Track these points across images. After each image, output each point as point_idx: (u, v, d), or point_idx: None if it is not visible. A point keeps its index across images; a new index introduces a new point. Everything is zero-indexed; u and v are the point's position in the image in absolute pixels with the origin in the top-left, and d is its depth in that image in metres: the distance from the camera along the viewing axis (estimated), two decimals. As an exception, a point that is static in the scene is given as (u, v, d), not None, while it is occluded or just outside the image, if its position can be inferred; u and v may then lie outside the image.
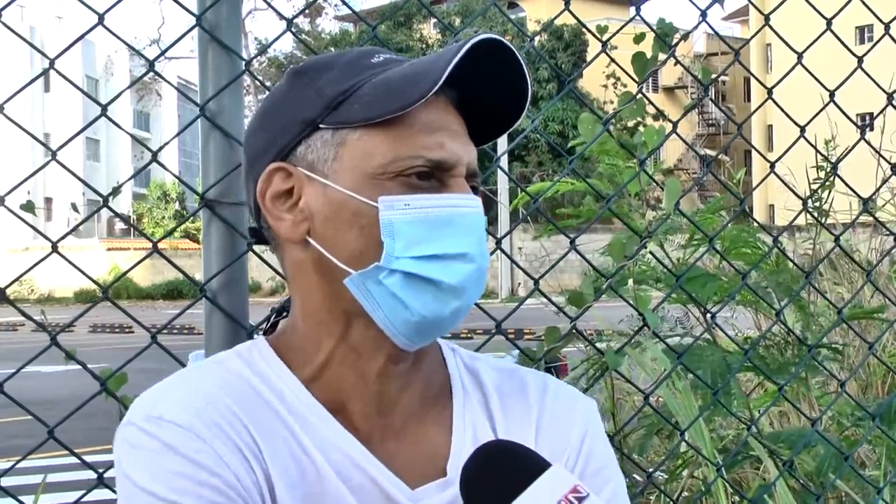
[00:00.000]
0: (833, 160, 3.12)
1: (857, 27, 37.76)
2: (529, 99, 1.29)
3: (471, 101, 1.28)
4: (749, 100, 53.92)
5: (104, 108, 1.95)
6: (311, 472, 1.21)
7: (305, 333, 1.29)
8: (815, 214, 3.34)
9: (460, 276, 1.22)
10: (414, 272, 1.20)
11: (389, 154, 1.22)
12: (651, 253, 2.58)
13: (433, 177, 1.23)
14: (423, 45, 46.45)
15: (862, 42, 36.49)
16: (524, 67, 1.26)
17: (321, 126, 1.25)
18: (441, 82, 1.18)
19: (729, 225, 2.92)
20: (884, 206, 4.71)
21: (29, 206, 2.02)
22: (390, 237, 1.20)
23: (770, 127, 46.65)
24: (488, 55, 1.23)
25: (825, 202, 3.52)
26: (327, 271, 1.24)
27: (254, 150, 1.31)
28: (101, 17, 1.91)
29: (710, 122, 59.04)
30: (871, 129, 3.13)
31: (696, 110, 55.24)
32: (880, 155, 3.16)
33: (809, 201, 3.33)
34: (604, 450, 1.38)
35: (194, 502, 1.14)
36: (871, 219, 3.27)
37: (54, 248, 1.90)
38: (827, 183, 3.41)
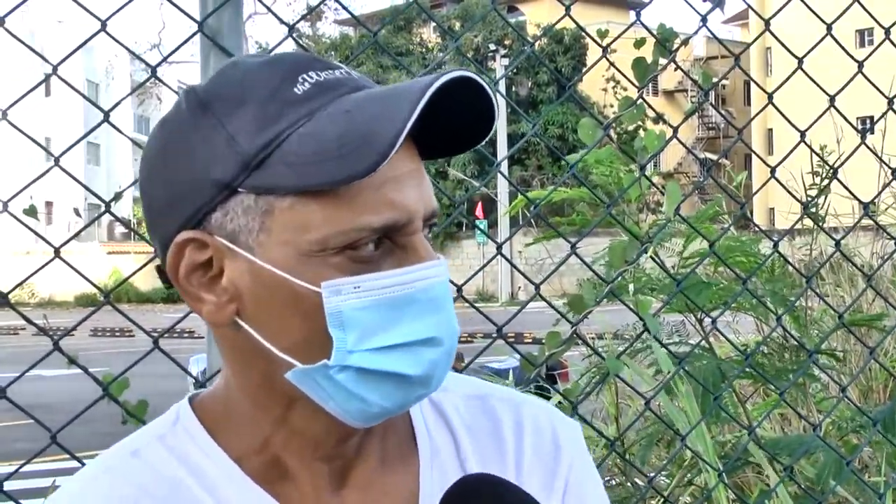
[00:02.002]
0: (833, 164, 3.13)
1: (857, 30, 37.77)
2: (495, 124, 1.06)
3: (426, 123, 1.01)
4: (749, 103, 53.91)
5: (106, 114, 1.95)
6: None
7: (240, 411, 1.09)
8: (812, 218, 3.34)
9: (426, 365, 1.02)
10: (372, 368, 1.00)
11: (328, 226, 0.99)
12: (652, 258, 2.58)
13: (384, 241, 1.01)
14: (423, 49, 46.47)
15: (862, 45, 36.49)
16: (492, 98, 1.03)
17: (240, 190, 1.00)
18: (395, 151, 0.95)
19: (731, 230, 2.93)
20: (886, 209, 4.71)
21: (31, 211, 2.03)
22: (340, 328, 0.99)
23: (770, 130, 46.66)
24: (455, 83, 0.99)
25: (821, 207, 3.53)
26: (263, 356, 1.03)
27: (155, 202, 1.06)
28: (103, 24, 1.92)
29: (710, 125, 59.04)
30: (872, 133, 3.13)
31: (696, 114, 55.29)
32: (881, 159, 3.16)
33: (809, 207, 3.33)
34: (593, 477, 1.23)
35: None
36: (873, 222, 3.28)
37: (57, 254, 1.91)
38: (824, 187, 3.41)
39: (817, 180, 3.48)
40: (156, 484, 1.06)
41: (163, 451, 1.09)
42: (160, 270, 1.11)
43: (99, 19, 1.91)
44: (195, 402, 1.13)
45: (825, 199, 3.51)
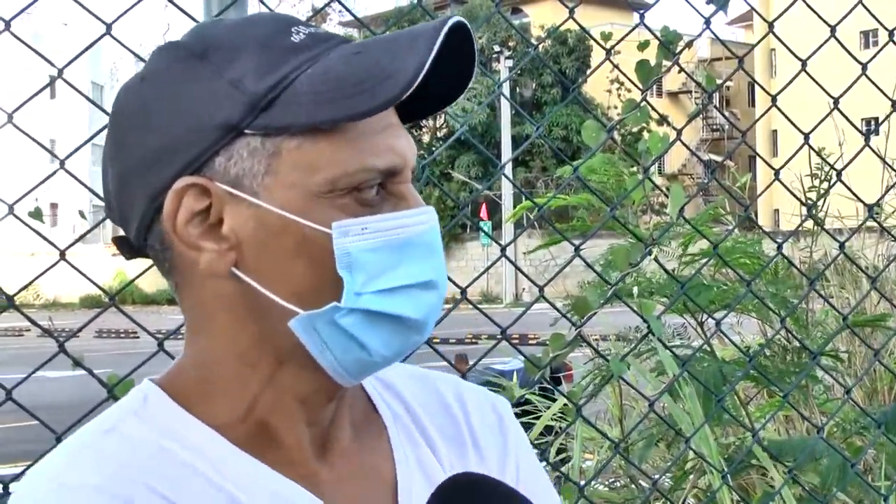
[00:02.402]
0: (836, 166, 3.13)
1: (861, 32, 37.73)
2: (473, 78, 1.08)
3: None
4: (753, 104, 53.87)
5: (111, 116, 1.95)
6: None
7: (222, 378, 1.06)
8: (816, 220, 3.34)
9: (426, 309, 1.03)
10: (377, 310, 1.00)
11: (337, 166, 0.99)
12: (656, 260, 2.58)
13: (383, 187, 1.02)
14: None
15: (867, 47, 36.47)
16: (475, 51, 1.07)
17: (246, 132, 1.00)
18: (414, 88, 0.97)
19: (735, 231, 2.93)
20: (893, 212, 4.70)
21: (37, 214, 2.03)
22: (348, 270, 0.99)
23: (774, 132, 46.60)
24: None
25: (821, 209, 3.53)
26: (259, 308, 1.02)
27: (141, 155, 1.02)
28: (108, 27, 1.93)
29: (714, 126, 58.98)
30: (877, 134, 3.14)
31: (700, 115, 55.24)
32: (885, 161, 3.17)
33: (811, 208, 3.33)
34: (532, 452, 1.25)
35: None
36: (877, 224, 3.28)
37: (62, 256, 1.91)
38: (827, 190, 3.42)
39: (817, 182, 3.48)
40: (142, 456, 1.01)
41: (140, 424, 1.04)
42: (119, 241, 1.10)
43: (104, 22, 1.92)
44: (159, 382, 1.09)
45: (824, 201, 3.51)
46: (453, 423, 1.19)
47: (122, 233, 1.09)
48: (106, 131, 1.07)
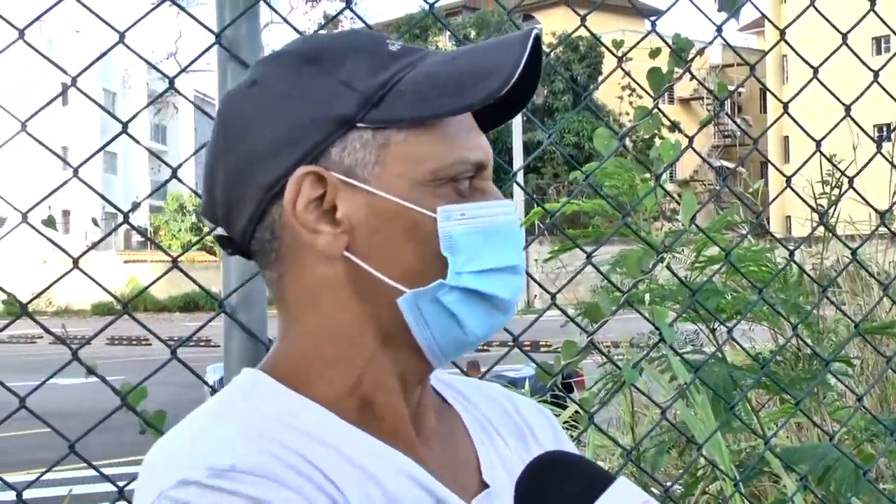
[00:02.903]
0: (848, 173, 3.12)
1: (873, 38, 37.67)
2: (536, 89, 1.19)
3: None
4: (765, 111, 53.79)
5: (125, 125, 1.96)
6: (382, 502, 1.08)
7: (327, 357, 1.13)
8: (829, 228, 3.33)
9: (513, 290, 1.14)
10: (474, 288, 1.11)
11: (438, 158, 1.11)
12: (668, 267, 2.58)
13: (470, 181, 1.14)
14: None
15: (879, 52, 36.42)
16: (541, 67, 1.17)
17: (359, 125, 1.10)
18: (511, 84, 1.08)
19: (748, 238, 2.93)
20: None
21: (50, 221, 2.04)
22: (451, 251, 1.10)
23: (786, 138, 46.53)
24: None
25: (832, 216, 3.52)
26: (366, 289, 1.11)
27: (259, 148, 1.12)
28: (121, 36, 1.93)
29: (726, 133, 58.94)
30: (890, 140, 3.13)
31: (712, 122, 55.16)
32: (896, 168, 3.16)
33: (823, 215, 3.33)
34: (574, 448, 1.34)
35: None
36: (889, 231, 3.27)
37: (75, 265, 1.92)
38: (838, 197, 3.41)
39: (829, 189, 3.47)
40: (273, 424, 1.07)
41: (253, 405, 1.11)
42: (221, 239, 1.19)
43: (117, 31, 1.92)
44: (261, 369, 1.16)
45: (835, 207, 3.50)
46: (511, 419, 1.29)
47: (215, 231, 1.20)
48: (212, 135, 1.17)
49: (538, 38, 1.12)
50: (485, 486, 1.19)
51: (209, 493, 0.99)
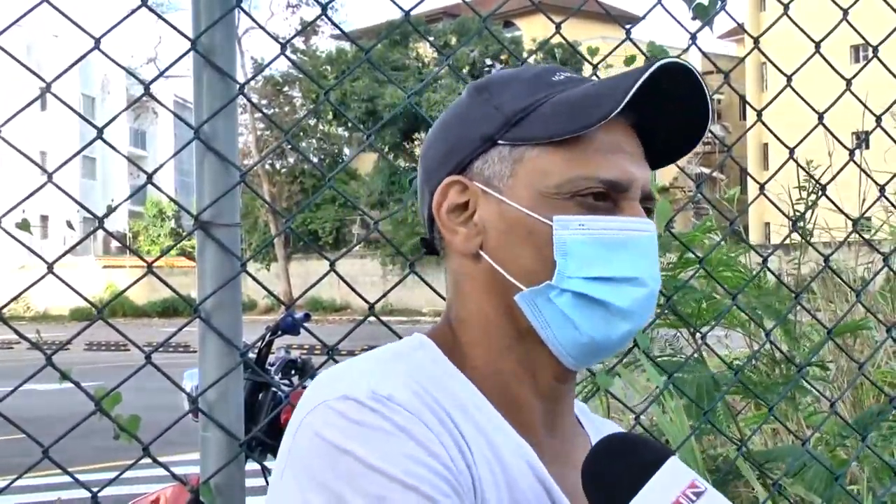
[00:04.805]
0: (824, 179, 3.14)
1: (851, 46, 37.84)
2: (710, 123, 1.29)
3: (650, 124, 1.28)
4: (744, 118, 53.93)
5: (100, 131, 1.96)
6: (502, 479, 1.18)
7: (473, 341, 1.28)
8: (802, 235, 3.35)
9: (630, 300, 1.22)
10: (584, 292, 1.21)
11: (565, 174, 1.22)
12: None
13: (608, 198, 1.23)
14: (420, 64, 46.53)
15: (857, 61, 36.58)
16: (706, 92, 1.27)
17: (499, 142, 1.26)
18: (622, 106, 1.19)
19: (722, 244, 2.94)
20: (881, 226, 4.72)
21: (25, 225, 2.04)
22: (563, 256, 1.21)
23: (765, 145, 46.71)
24: (671, 79, 1.23)
25: (809, 221, 3.54)
26: (498, 285, 1.25)
27: (431, 161, 1.32)
28: (97, 42, 1.93)
29: (706, 140, 58.99)
30: (868, 147, 3.15)
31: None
32: (870, 177, 3.18)
33: (798, 222, 3.35)
34: None
35: (430, 491, 1.09)
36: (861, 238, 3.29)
37: (50, 270, 1.92)
38: (812, 203, 3.43)
39: (804, 195, 3.50)
40: (432, 380, 1.20)
41: (416, 360, 1.24)
42: (423, 241, 1.37)
43: (93, 37, 1.93)
44: (427, 334, 1.31)
45: (811, 214, 3.53)
46: None
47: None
48: None
49: (684, 68, 1.22)
50: None
51: (365, 410, 1.12)
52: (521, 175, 1.25)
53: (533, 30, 45.34)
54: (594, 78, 1.35)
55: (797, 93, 2.66)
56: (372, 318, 2.20)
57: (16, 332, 2.01)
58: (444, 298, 1.37)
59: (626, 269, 1.22)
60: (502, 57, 43.75)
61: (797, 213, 3.43)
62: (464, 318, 1.30)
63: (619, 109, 1.19)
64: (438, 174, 1.30)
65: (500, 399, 1.24)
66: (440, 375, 1.22)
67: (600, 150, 1.23)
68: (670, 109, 1.27)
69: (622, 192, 1.24)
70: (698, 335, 2.87)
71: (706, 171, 44.79)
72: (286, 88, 49.96)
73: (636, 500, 1.07)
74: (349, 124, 46.60)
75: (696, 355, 2.94)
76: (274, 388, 3.83)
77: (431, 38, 2.77)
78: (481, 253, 1.27)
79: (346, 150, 49.44)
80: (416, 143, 45.16)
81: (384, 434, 1.11)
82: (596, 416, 1.43)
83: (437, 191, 1.29)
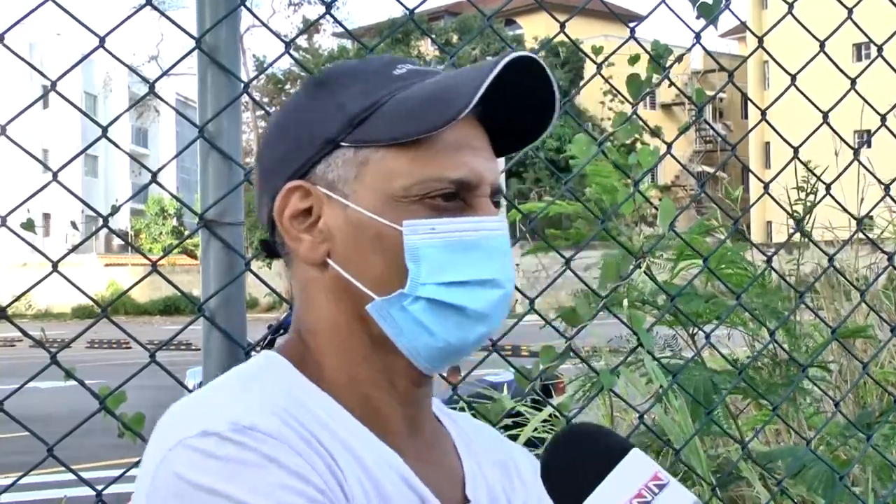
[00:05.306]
0: (827, 178, 3.14)
1: (854, 44, 37.76)
2: (557, 112, 1.25)
3: (495, 114, 1.23)
4: (746, 116, 53.88)
5: (104, 129, 1.96)
6: (374, 494, 1.14)
7: (327, 352, 1.23)
8: (805, 234, 3.35)
9: (486, 303, 1.19)
10: (439, 299, 1.17)
11: (413, 176, 1.17)
12: (646, 273, 2.59)
13: (458, 197, 1.19)
14: (422, 62, 46.44)
15: (860, 59, 36.50)
16: (553, 82, 1.22)
17: (342, 144, 1.20)
18: (469, 108, 1.15)
19: (726, 244, 2.94)
20: (887, 227, 4.71)
21: (29, 225, 2.04)
22: (415, 262, 1.16)
23: (767, 144, 46.67)
24: (516, 72, 1.18)
25: (808, 222, 3.54)
26: (348, 294, 1.20)
27: (269, 163, 1.26)
28: (101, 40, 1.93)
29: (708, 139, 59.05)
30: (870, 146, 3.14)
31: (694, 126, 55.28)
32: (875, 177, 3.18)
33: (800, 221, 3.35)
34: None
35: None
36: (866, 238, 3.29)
37: (55, 268, 1.92)
38: (815, 203, 3.43)
39: (804, 195, 3.49)
40: (291, 402, 1.14)
41: (269, 381, 1.17)
42: (263, 243, 1.30)
43: (97, 35, 1.92)
44: (276, 350, 1.25)
45: (811, 213, 3.52)
46: (498, 451, 1.35)
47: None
48: None
49: (531, 60, 1.18)
50: (466, 500, 1.25)
51: (228, 444, 1.06)
52: (366, 178, 1.19)
53: (535, 28, 45.34)
54: (440, 69, 1.28)
55: (802, 92, 2.66)
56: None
57: (21, 330, 2.01)
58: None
59: (480, 271, 1.18)
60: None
61: (798, 214, 3.42)
62: (314, 328, 1.24)
63: (463, 115, 1.15)
64: (278, 178, 1.23)
65: (360, 409, 1.20)
66: (297, 394, 1.17)
67: (447, 149, 1.19)
68: (518, 99, 1.22)
69: (472, 191, 1.20)
70: (700, 335, 2.86)
71: (708, 169, 44.80)
72: (288, 86, 49.97)
73: (597, 490, 1.05)
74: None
75: (694, 356, 2.94)
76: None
77: (433, 37, 2.76)
78: (329, 261, 1.21)
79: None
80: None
81: (252, 467, 1.05)
82: (451, 410, 1.39)
83: (279, 196, 1.22)
